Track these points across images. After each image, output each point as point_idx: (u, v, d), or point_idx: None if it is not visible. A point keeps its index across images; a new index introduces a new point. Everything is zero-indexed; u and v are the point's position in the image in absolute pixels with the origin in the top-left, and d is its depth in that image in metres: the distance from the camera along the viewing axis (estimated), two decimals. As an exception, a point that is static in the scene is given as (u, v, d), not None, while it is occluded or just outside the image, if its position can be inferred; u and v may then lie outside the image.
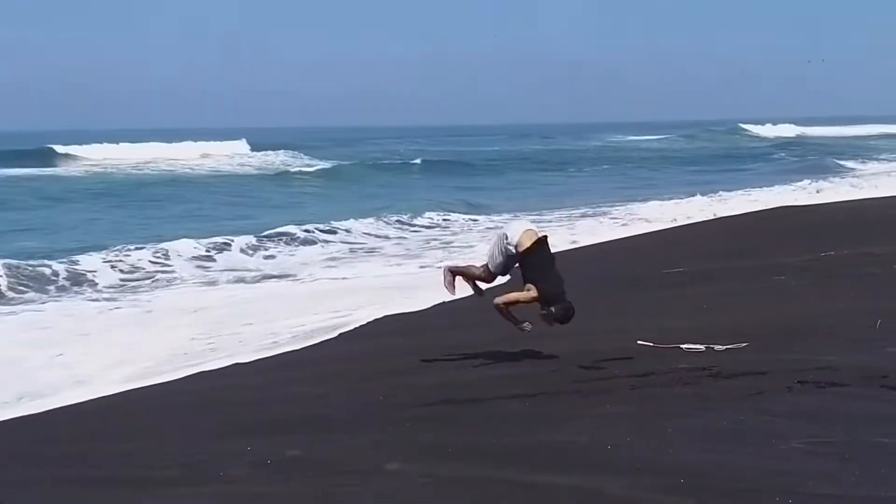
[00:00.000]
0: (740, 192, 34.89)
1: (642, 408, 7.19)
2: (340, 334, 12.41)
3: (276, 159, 65.50)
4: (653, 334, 9.57)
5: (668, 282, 13.98)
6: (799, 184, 36.77)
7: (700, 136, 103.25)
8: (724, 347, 8.89)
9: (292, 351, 11.61)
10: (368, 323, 13.00)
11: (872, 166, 50.57)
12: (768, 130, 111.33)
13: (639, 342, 9.34)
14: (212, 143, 76.16)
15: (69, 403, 9.80)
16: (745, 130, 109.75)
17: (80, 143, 69.97)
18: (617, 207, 30.93)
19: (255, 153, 70.28)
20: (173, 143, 73.12)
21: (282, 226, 25.47)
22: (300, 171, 54.35)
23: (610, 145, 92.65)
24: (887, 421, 6.59)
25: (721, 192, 34.35)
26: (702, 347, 8.97)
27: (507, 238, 8.98)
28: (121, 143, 71.51)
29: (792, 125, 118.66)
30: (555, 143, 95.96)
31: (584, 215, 28.83)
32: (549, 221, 26.36)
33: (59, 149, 67.21)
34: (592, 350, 9.35)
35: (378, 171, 55.94)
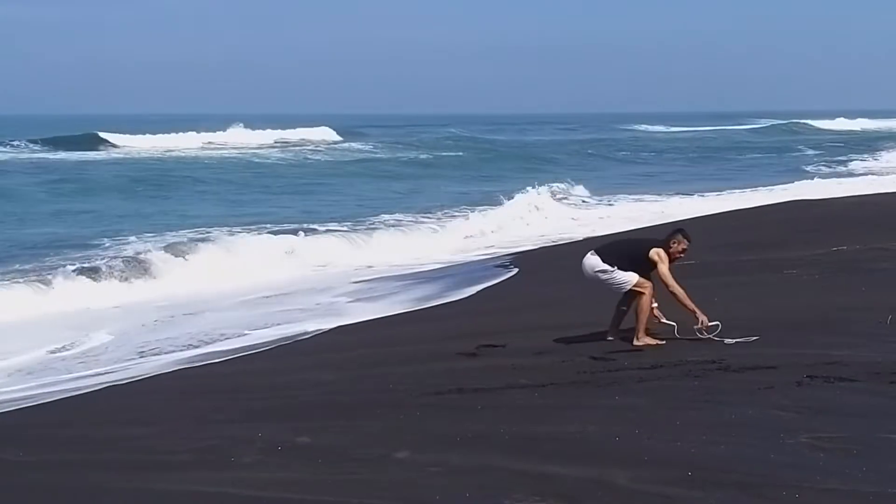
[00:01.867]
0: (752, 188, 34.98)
1: (651, 400, 7.22)
2: (349, 325, 12.48)
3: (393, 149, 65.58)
4: (663, 327, 9.58)
5: (678, 274, 13.93)
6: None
7: (768, 130, 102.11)
8: (734, 341, 8.89)
9: (303, 339, 11.70)
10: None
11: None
12: (830, 124, 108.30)
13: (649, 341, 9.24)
14: (301, 129, 77.79)
15: (84, 389, 9.92)
16: (805, 125, 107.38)
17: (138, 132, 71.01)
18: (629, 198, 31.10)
19: (362, 143, 70.82)
20: (255, 130, 74.93)
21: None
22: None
23: (638, 134, 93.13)
24: (884, 415, 6.61)
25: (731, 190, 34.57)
26: (710, 335, 8.97)
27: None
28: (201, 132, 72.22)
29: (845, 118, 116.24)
30: (607, 133, 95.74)
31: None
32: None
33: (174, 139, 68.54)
34: (602, 341, 9.38)
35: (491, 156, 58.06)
